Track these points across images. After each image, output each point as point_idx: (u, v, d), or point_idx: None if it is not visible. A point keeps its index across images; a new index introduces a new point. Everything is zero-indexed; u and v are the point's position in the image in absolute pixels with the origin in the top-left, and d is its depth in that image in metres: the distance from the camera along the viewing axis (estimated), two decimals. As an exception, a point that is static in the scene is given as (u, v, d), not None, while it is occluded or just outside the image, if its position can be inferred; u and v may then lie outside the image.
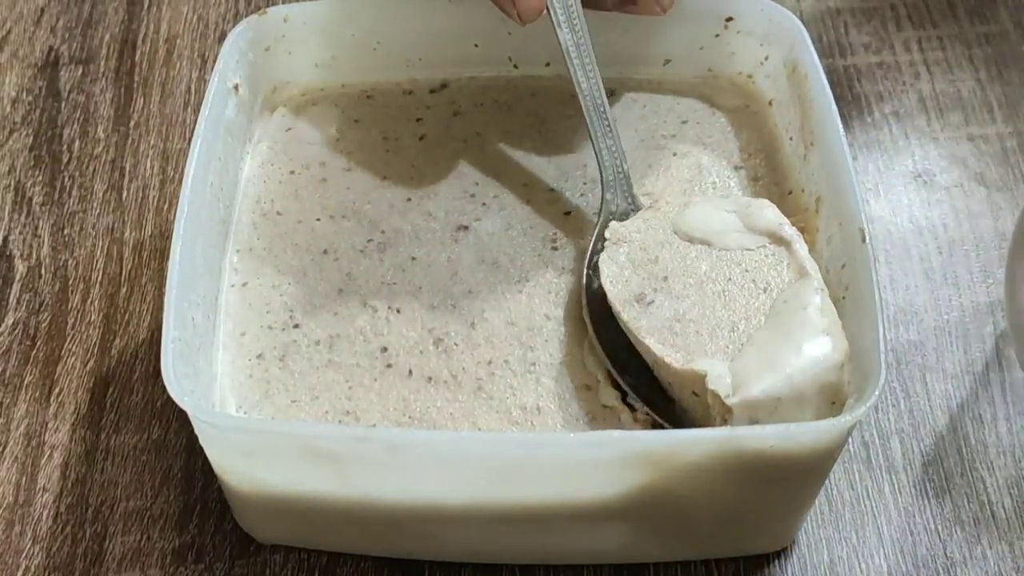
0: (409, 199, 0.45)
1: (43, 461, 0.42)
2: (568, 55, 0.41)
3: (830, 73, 0.52)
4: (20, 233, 0.49)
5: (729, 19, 0.46)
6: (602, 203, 0.42)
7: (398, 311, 0.41)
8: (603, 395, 0.39)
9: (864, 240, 0.37)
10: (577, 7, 0.41)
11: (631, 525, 0.37)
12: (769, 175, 0.44)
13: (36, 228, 0.49)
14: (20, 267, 0.48)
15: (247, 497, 0.38)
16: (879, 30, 0.56)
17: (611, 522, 0.37)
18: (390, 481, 0.36)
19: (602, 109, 0.42)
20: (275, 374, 0.40)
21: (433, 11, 0.46)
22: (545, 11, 0.40)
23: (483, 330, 0.41)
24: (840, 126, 0.40)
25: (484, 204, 0.44)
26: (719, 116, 0.47)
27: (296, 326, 0.41)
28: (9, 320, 0.46)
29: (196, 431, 0.36)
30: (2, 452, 0.43)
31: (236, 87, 0.44)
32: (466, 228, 0.44)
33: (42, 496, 0.42)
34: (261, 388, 0.40)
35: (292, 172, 0.45)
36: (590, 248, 0.41)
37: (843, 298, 0.38)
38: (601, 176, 0.42)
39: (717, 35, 0.46)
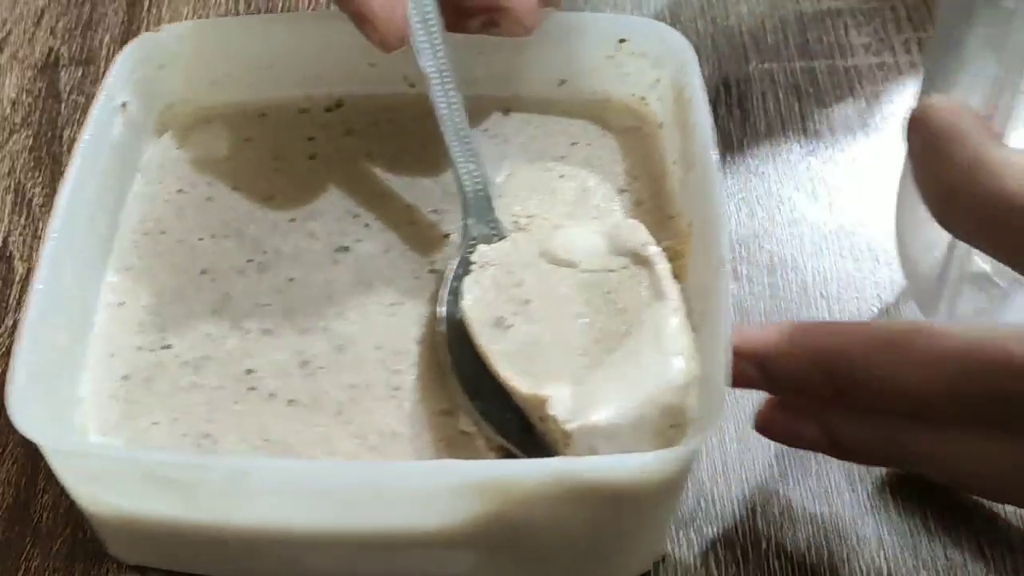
0: (293, 219, 0.44)
1: (43, 463, 0.41)
2: (429, 81, 0.41)
3: (831, 74, 0.53)
4: (20, 234, 0.49)
5: (623, 40, 0.46)
6: (464, 228, 0.42)
7: (269, 333, 0.41)
8: (462, 421, 0.39)
9: (723, 266, 0.37)
10: (440, 32, 0.41)
11: (482, 552, 0.37)
12: (652, 199, 0.44)
13: (36, 229, 0.49)
14: (20, 268, 0.48)
15: (101, 519, 0.38)
16: (879, 31, 0.55)
17: (461, 549, 0.37)
18: (236, 507, 0.36)
19: (463, 134, 0.42)
20: (138, 396, 0.40)
21: (329, 29, 0.46)
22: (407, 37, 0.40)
23: (350, 353, 0.41)
24: (713, 152, 0.40)
25: (367, 225, 0.44)
26: (610, 138, 0.46)
27: (166, 347, 0.41)
28: (9, 322, 0.46)
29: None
30: (2, 453, 0.42)
31: (124, 105, 0.44)
32: (346, 249, 0.43)
33: (42, 497, 0.41)
34: (123, 410, 0.39)
35: (179, 191, 0.45)
36: (451, 273, 0.41)
37: (700, 324, 0.38)
38: (463, 201, 0.42)
39: (611, 56, 0.46)
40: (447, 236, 0.43)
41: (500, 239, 0.42)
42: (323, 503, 0.35)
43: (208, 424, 0.39)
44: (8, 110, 0.54)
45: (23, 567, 0.40)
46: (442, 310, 0.40)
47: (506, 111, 0.47)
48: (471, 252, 0.41)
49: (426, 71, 0.41)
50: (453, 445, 0.38)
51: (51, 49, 0.57)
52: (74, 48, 0.56)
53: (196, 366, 0.41)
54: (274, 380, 0.40)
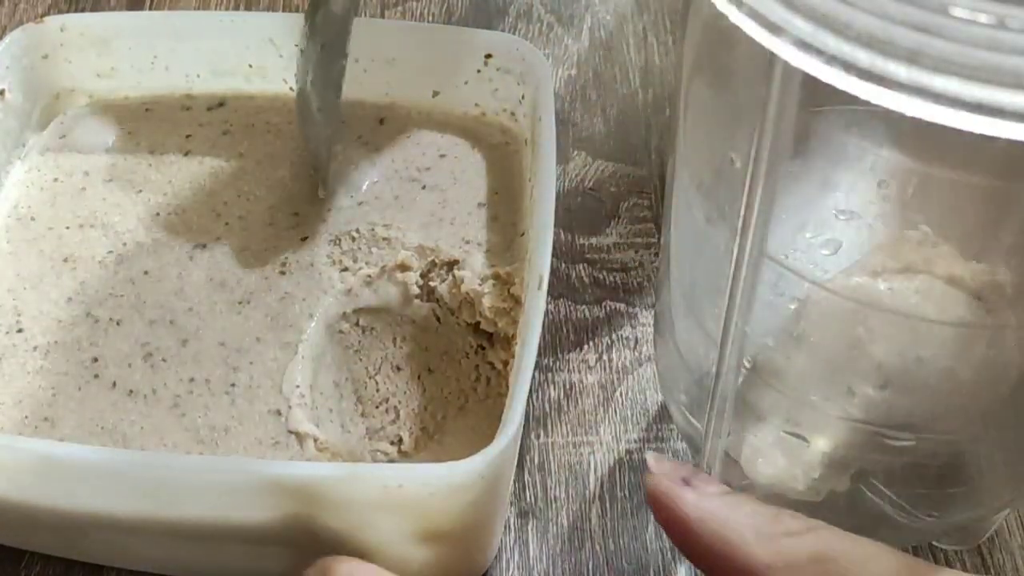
0: (158, 213, 0.46)
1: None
2: None
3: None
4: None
5: (488, 55, 0.47)
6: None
7: (118, 323, 0.43)
8: (291, 420, 0.40)
9: (539, 287, 0.38)
10: None
11: (296, 552, 0.38)
12: (507, 215, 0.45)
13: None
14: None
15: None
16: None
17: (274, 547, 0.38)
18: (47, 490, 0.37)
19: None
20: (-13, 379, 0.41)
21: (209, 28, 0.48)
22: None
23: (193, 348, 0.42)
24: (551, 173, 0.41)
25: (227, 224, 0.45)
26: (477, 152, 0.47)
27: (20, 331, 0.43)
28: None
29: None
30: None
31: (3, 92, 0.46)
32: (204, 247, 0.45)
33: None
34: (-32, 389, 0.41)
35: (56, 179, 0.47)
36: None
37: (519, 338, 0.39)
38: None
39: (479, 71, 0.47)
40: (304, 239, 0.45)
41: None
42: (127, 491, 0.36)
43: (49, 409, 0.41)
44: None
45: (23, 574, 0.41)
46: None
47: (381, 120, 0.48)
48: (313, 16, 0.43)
49: None
50: (280, 444, 0.40)
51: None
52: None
53: (46, 351, 0.42)
54: (117, 369, 0.41)
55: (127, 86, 0.49)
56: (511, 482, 0.41)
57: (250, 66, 0.48)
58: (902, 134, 0.29)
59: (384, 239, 0.44)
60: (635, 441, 0.45)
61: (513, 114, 0.48)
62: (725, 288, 0.32)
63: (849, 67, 0.23)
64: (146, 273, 0.44)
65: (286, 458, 0.39)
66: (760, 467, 0.37)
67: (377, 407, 0.44)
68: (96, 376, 0.41)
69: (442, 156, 0.47)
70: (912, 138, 0.28)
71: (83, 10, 0.60)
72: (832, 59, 0.23)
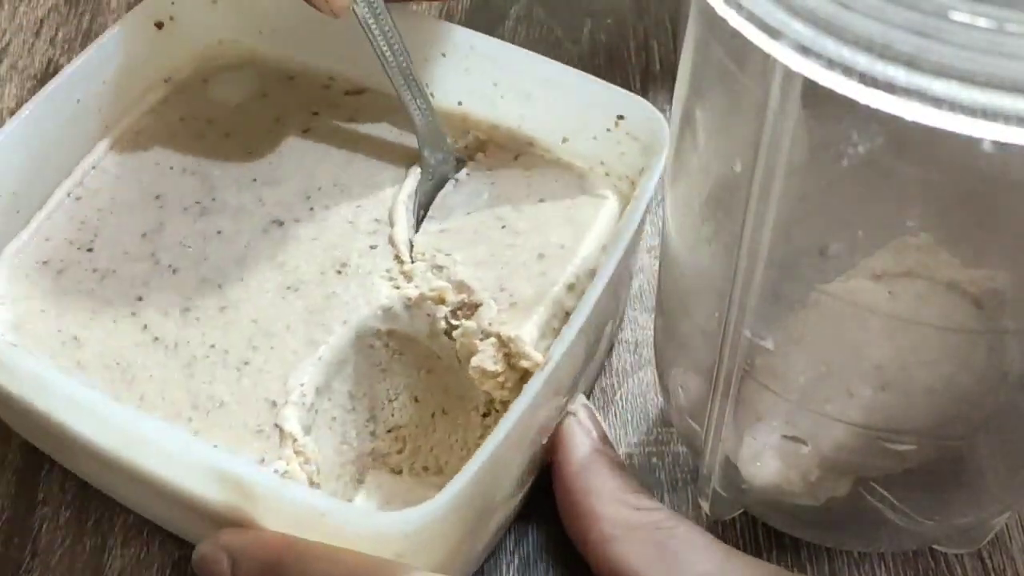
0: (255, 179, 0.47)
1: (43, 474, 0.44)
2: (367, 27, 0.43)
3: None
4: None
5: (620, 116, 0.45)
6: (421, 158, 0.46)
7: (174, 272, 0.44)
8: (280, 414, 0.40)
9: (544, 368, 0.37)
10: None
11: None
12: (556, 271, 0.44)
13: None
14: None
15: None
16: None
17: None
18: (47, 402, 0.38)
19: (409, 73, 0.45)
20: (45, 281, 0.43)
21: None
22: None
23: (228, 316, 0.43)
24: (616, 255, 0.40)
25: (312, 209, 0.46)
26: (572, 204, 0.46)
27: (90, 250, 0.45)
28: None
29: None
30: (1, 464, 0.44)
31: (162, 23, 0.48)
32: (281, 224, 0.45)
33: (41, 509, 0.43)
34: (25, 288, 0.43)
35: (181, 119, 0.49)
36: (415, 200, 0.46)
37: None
38: (417, 135, 0.45)
39: (609, 130, 0.46)
40: (374, 248, 0.45)
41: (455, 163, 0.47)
42: (105, 431, 0.37)
43: (82, 330, 0.42)
44: (7, 120, 0.56)
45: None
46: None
47: (516, 157, 0.48)
48: (430, 181, 0.46)
49: (363, 19, 0.43)
50: (262, 435, 0.40)
51: (50, 59, 0.58)
52: (73, 58, 0.58)
53: (102, 276, 0.44)
54: (154, 314, 0.43)
55: (281, 49, 0.50)
56: (476, 545, 0.40)
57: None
58: (902, 138, 0.28)
59: (438, 267, 0.43)
60: (635, 444, 0.45)
61: (634, 184, 0.46)
62: (725, 292, 0.33)
63: (849, 71, 0.23)
64: (219, 233, 0.45)
65: (264, 449, 0.40)
66: (758, 470, 0.38)
67: (388, 432, 0.44)
68: (133, 314, 0.43)
69: (541, 201, 0.46)
70: (911, 142, 0.27)
71: (82, 12, 0.60)
72: (832, 63, 0.23)
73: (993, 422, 0.35)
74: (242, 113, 0.49)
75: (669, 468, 0.44)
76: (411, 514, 0.34)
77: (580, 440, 0.40)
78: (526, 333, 0.39)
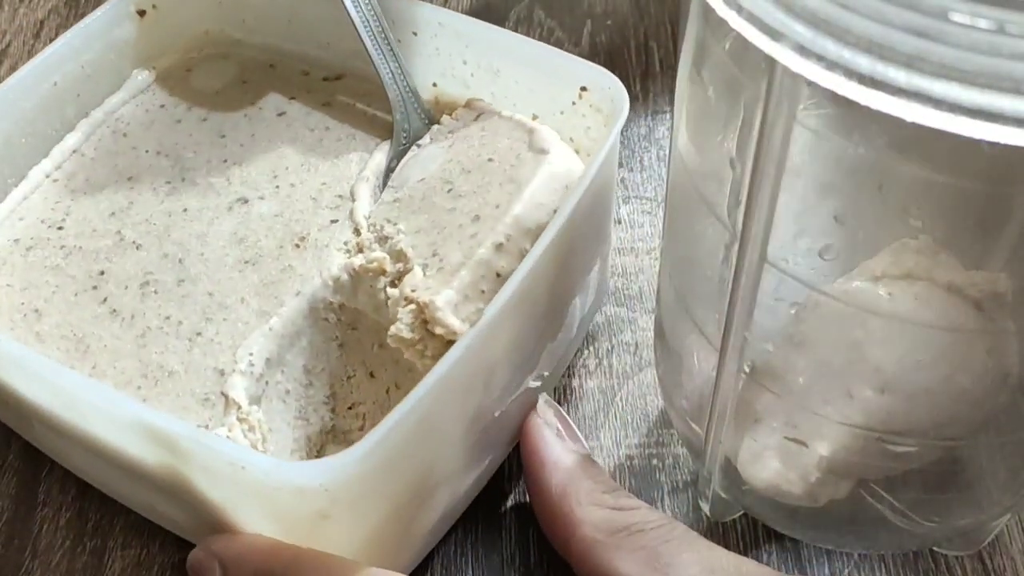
0: (225, 160, 0.47)
1: (42, 476, 0.45)
2: None
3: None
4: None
5: (584, 88, 0.45)
6: (395, 124, 0.46)
7: (137, 247, 0.44)
8: (227, 383, 0.40)
9: (473, 327, 0.36)
10: None
11: (186, 505, 0.38)
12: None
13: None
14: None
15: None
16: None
17: (164, 494, 0.38)
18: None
19: (383, 34, 0.45)
20: (14, 258, 0.44)
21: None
22: None
23: (185, 289, 0.43)
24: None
25: (277, 187, 0.46)
26: (528, 168, 0.45)
27: (60, 228, 0.45)
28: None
29: None
30: (2, 465, 0.45)
31: (144, 12, 0.49)
32: (246, 202, 0.46)
33: (41, 510, 0.43)
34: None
35: (162, 106, 0.50)
36: (385, 166, 0.46)
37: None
38: (391, 99, 0.45)
39: (574, 103, 0.45)
40: (334, 222, 0.45)
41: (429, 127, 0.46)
42: (56, 398, 0.38)
43: (44, 303, 0.43)
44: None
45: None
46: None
47: (477, 117, 0.47)
48: (404, 147, 0.46)
49: None
50: (208, 403, 0.40)
51: (50, 60, 0.59)
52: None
53: (68, 252, 0.44)
54: (114, 287, 0.43)
55: (264, 38, 0.51)
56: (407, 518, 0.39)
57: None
58: (902, 139, 0.28)
59: (384, 238, 0.43)
60: (635, 446, 0.44)
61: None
62: (725, 293, 0.33)
63: (849, 72, 0.23)
64: (185, 211, 0.46)
65: (207, 416, 0.40)
66: (759, 472, 0.37)
67: (349, 409, 0.43)
68: (95, 288, 0.43)
69: (489, 161, 0.44)
70: (912, 143, 0.28)
71: (82, 14, 0.60)
72: (832, 64, 0.23)
73: (993, 424, 0.34)
74: (220, 98, 0.50)
75: (669, 470, 0.44)
76: (328, 462, 0.33)
77: (549, 440, 0.39)
78: (442, 298, 0.38)
